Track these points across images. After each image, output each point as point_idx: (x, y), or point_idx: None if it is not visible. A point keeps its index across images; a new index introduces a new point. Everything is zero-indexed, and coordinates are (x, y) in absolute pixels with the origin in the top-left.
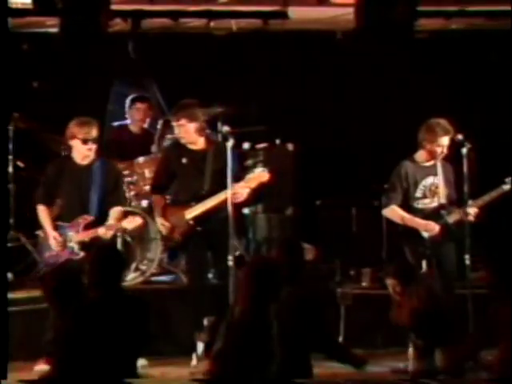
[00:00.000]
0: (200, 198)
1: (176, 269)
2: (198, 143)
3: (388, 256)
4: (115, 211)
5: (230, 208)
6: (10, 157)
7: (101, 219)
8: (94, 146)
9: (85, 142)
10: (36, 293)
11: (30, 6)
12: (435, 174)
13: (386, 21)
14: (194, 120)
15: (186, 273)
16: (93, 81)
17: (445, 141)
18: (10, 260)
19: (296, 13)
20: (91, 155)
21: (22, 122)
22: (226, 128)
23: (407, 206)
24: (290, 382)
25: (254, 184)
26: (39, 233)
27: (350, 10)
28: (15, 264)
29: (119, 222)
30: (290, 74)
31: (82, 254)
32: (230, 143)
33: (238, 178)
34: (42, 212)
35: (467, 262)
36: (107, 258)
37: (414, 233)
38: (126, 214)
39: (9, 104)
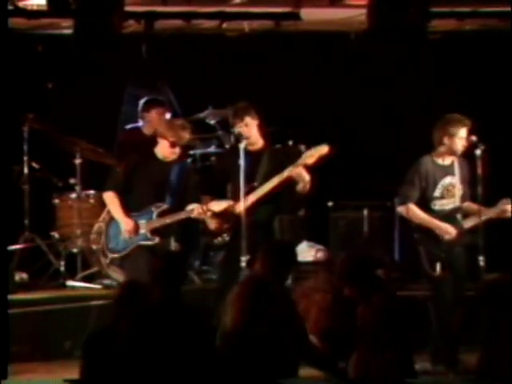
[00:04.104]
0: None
1: (189, 270)
2: (259, 143)
3: (401, 258)
4: (191, 206)
5: (243, 209)
6: (25, 158)
7: (174, 212)
8: (178, 150)
9: (173, 145)
10: (51, 293)
11: (45, 8)
12: (453, 174)
13: (398, 22)
14: (255, 118)
15: (199, 273)
16: (106, 82)
17: (464, 133)
18: (24, 261)
19: (308, 14)
20: (175, 156)
21: (36, 123)
22: (238, 129)
23: (424, 206)
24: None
25: (312, 160)
26: (100, 222)
27: (363, 11)
28: (30, 265)
29: (204, 204)
30: (303, 75)
31: (155, 239)
32: (242, 144)
33: (251, 179)
34: (114, 199)
35: (481, 263)
36: (174, 262)
37: (429, 234)
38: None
39: (23, 105)
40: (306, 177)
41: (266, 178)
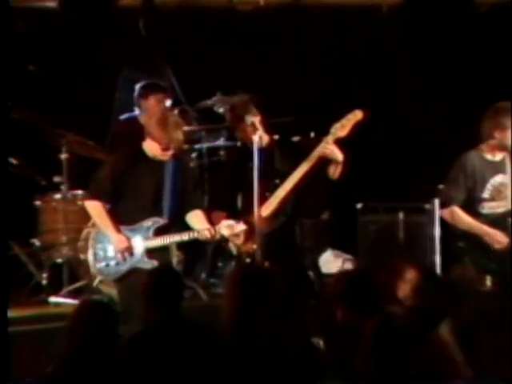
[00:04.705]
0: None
1: (194, 283)
2: (265, 138)
3: (443, 270)
4: (196, 215)
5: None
6: None
7: (174, 223)
8: (171, 151)
9: (164, 149)
10: (31, 311)
11: None
12: (504, 172)
13: None
14: (257, 113)
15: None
16: (97, 64)
17: None
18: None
19: None
20: (167, 157)
21: (15, 112)
22: (252, 119)
23: (470, 209)
24: None
25: (345, 132)
26: (90, 228)
27: None
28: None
29: (214, 226)
30: (326, 55)
31: (153, 264)
32: (256, 136)
33: (268, 176)
34: (101, 209)
35: None
36: (166, 278)
37: (477, 242)
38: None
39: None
40: (340, 155)
41: (284, 176)
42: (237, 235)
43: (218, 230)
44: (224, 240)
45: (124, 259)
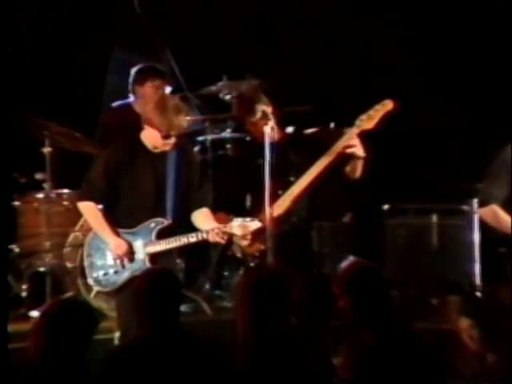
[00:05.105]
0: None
1: (197, 295)
2: (278, 131)
3: (483, 279)
4: (203, 213)
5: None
6: None
7: (178, 224)
8: (173, 139)
9: (165, 137)
10: (9, 327)
11: None
12: None
13: None
14: (269, 103)
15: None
16: (85, 45)
17: None
18: None
19: None
20: (168, 147)
21: None
22: (263, 107)
23: None
24: None
25: (372, 124)
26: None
27: None
28: None
29: (225, 225)
30: (347, 35)
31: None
32: (268, 127)
33: (281, 173)
34: (95, 210)
35: None
36: (162, 284)
37: None
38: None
39: None
40: (362, 151)
41: (299, 173)
42: (245, 236)
43: (229, 229)
44: (229, 243)
45: (123, 266)
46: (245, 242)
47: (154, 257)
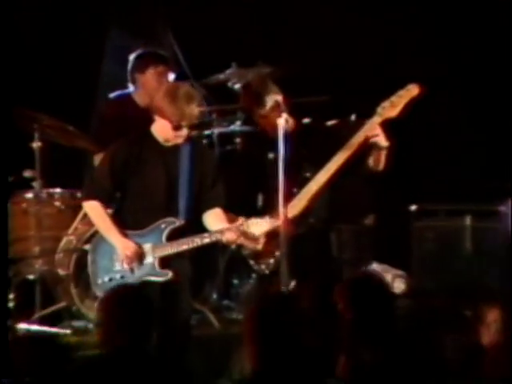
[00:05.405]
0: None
1: (203, 306)
2: (290, 122)
3: None
4: (215, 214)
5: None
6: None
7: (191, 225)
8: (185, 131)
9: (177, 127)
10: None
11: None
12: None
13: None
14: (279, 92)
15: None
16: (79, 28)
17: None
18: None
19: None
20: (180, 140)
21: None
22: (276, 97)
23: None
24: None
25: (395, 112)
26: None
27: None
28: None
29: (242, 223)
30: (367, 19)
31: (167, 275)
32: (282, 119)
33: (296, 169)
34: (101, 210)
35: None
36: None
37: None
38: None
39: None
40: (385, 141)
41: (316, 168)
42: (255, 239)
43: (246, 227)
44: (239, 248)
45: (132, 270)
46: (257, 247)
47: (164, 260)
